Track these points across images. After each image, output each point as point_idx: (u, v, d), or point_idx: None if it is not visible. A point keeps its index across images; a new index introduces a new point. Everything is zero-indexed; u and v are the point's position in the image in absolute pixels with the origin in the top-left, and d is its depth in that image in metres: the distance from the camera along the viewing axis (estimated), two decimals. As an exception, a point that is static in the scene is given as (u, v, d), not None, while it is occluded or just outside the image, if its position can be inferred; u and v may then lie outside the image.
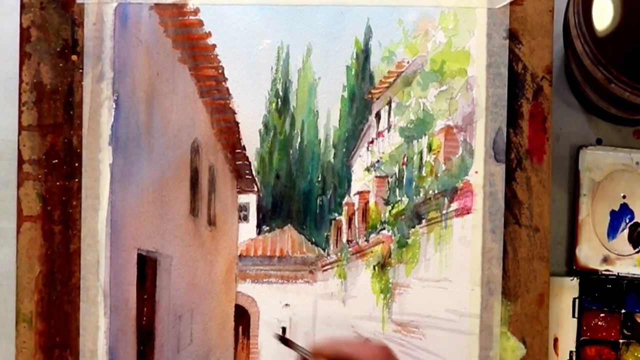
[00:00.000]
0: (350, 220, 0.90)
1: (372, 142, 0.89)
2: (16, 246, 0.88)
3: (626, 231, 0.90)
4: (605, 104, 0.87)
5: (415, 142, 0.89)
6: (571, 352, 0.89)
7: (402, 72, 0.89)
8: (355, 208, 0.90)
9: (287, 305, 0.89)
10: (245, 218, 0.90)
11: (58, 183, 0.88)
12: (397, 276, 0.88)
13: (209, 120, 0.89)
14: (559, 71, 0.91)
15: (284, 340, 0.81)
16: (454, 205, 0.88)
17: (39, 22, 0.88)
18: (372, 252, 0.89)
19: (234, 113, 0.89)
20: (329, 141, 0.89)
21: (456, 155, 0.88)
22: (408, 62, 0.88)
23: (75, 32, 0.88)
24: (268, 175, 0.89)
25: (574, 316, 0.89)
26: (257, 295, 0.89)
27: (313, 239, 0.90)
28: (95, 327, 0.88)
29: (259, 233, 0.90)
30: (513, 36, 0.87)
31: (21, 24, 0.88)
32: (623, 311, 0.89)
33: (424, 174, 0.88)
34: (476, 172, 0.87)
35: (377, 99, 0.89)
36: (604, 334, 0.89)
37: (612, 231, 0.90)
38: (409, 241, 0.88)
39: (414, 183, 0.88)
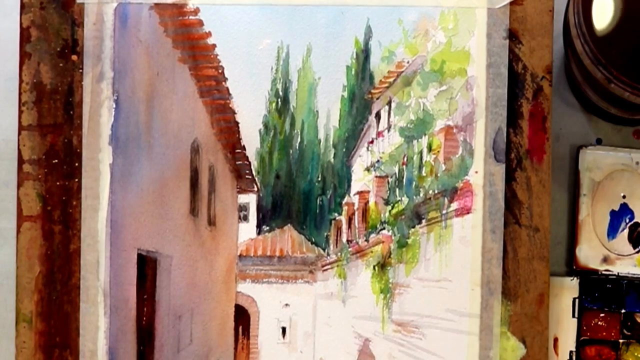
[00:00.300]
0: (350, 220, 0.90)
1: (372, 142, 0.89)
2: (16, 246, 0.88)
3: (626, 231, 0.90)
4: (605, 104, 0.87)
5: (415, 142, 0.89)
6: (571, 352, 0.89)
7: (402, 72, 0.89)
8: (355, 208, 0.90)
9: (287, 305, 0.89)
10: (245, 218, 0.90)
11: (58, 183, 0.88)
12: (397, 276, 0.88)
13: (209, 120, 0.89)
14: (559, 71, 0.91)
15: None
16: (454, 205, 0.88)
17: (39, 22, 0.88)
18: (372, 252, 0.89)
19: (234, 113, 0.89)
20: (329, 141, 0.89)
21: (456, 155, 0.88)
22: (408, 62, 0.88)
23: (75, 32, 0.88)
24: (268, 175, 0.89)
25: (574, 316, 0.89)
26: (257, 295, 0.89)
27: (313, 239, 0.90)
28: (95, 327, 0.88)
29: (259, 233, 0.90)
30: (513, 36, 0.87)
31: (21, 24, 0.88)
32: (623, 311, 0.89)
33: (424, 173, 0.88)
34: (476, 172, 0.87)
35: (377, 98, 0.89)
36: (604, 334, 0.89)
37: (612, 231, 0.90)
38: (409, 241, 0.88)
39: (414, 183, 0.88)
